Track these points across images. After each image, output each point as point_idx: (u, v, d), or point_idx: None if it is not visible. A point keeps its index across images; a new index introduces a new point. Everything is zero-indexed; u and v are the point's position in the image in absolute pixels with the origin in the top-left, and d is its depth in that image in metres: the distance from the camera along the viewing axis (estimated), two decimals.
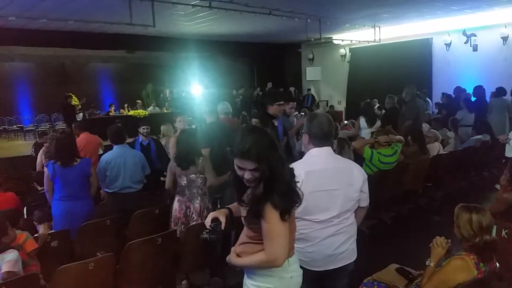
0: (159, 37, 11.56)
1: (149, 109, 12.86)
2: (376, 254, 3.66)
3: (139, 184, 4.55)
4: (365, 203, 2.61)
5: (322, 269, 2.49)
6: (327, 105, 15.61)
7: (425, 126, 7.11)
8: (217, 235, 1.93)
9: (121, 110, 12.60)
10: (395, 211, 5.52)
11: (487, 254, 2.49)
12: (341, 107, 15.31)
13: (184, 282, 3.79)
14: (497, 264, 2.56)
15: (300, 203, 1.95)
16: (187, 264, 3.53)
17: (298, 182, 2.18)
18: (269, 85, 15.15)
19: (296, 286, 2.06)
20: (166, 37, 11.93)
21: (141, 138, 5.78)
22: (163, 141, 6.58)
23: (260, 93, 14.24)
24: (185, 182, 3.80)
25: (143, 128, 5.77)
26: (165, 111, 12.90)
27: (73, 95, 11.66)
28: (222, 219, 2.01)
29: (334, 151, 5.58)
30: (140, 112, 12.09)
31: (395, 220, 5.37)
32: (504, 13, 10.23)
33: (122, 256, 3.08)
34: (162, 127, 6.78)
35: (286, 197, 1.86)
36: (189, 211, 3.80)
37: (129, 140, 5.34)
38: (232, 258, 2.00)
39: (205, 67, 15.00)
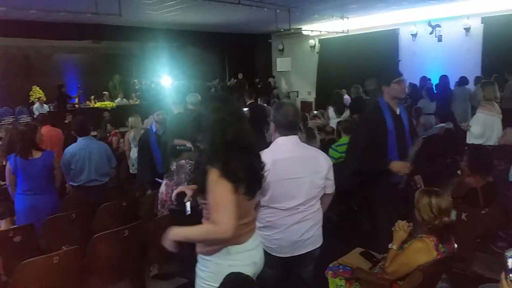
0: (126, 26, 11.31)
1: (116, 100, 12.61)
2: (344, 239, 3.76)
3: (106, 177, 4.48)
4: (330, 189, 2.67)
5: (289, 255, 2.54)
6: (297, 96, 15.74)
7: None
8: (180, 208, 1.98)
9: (87, 102, 12.31)
10: (363, 198, 5.63)
11: (446, 235, 2.58)
12: (311, 97, 15.44)
13: (153, 268, 3.79)
14: (455, 245, 2.66)
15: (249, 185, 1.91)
16: (155, 255, 3.51)
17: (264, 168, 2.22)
18: (240, 76, 15.15)
19: None
20: (134, 27, 11.70)
21: (155, 127, 4.78)
22: (131, 133, 6.48)
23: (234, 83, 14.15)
24: (174, 167, 3.84)
25: (158, 114, 4.75)
26: (133, 102, 12.69)
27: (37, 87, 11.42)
28: (188, 193, 2.03)
29: (302, 140, 5.67)
30: (107, 103, 11.85)
31: (361, 206, 5.48)
32: (467, 5, 10.53)
33: (88, 250, 3.04)
34: (130, 119, 6.66)
35: (234, 168, 1.83)
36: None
37: (94, 132, 5.21)
38: (171, 231, 1.92)
39: (175, 58, 14.81)
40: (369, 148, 3.37)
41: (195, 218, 1.99)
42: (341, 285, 2.86)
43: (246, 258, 1.99)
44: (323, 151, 5.32)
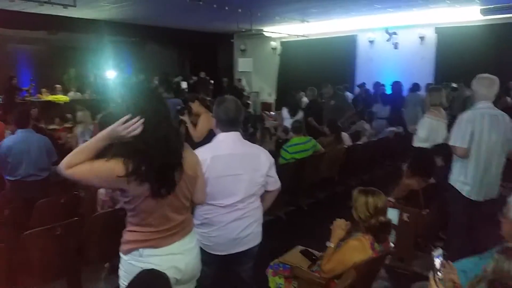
0: (82, 18, 10.94)
1: (69, 94, 12.13)
2: (291, 238, 3.76)
3: (45, 172, 4.27)
4: (272, 187, 2.65)
5: (226, 253, 2.51)
6: (258, 97, 15.79)
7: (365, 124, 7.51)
8: None
9: (39, 95, 11.78)
10: (313, 198, 5.71)
11: (382, 235, 2.62)
12: (271, 99, 15.54)
13: (107, 265, 3.65)
14: (392, 244, 2.72)
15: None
16: (92, 254, 3.37)
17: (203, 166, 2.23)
18: (202, 74, 14.98)
19: None
20: (91, 19, 11.32)
21: None
22: (79, 128, 6.25)
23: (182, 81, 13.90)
24: None
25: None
26: (87, 97, 12.27)
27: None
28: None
29: (258, 140, 5.67)
30: (60, 97, 11.40)
31: (312, 206, 5.55)
32: (421, 14, 10.89)
33: (18, 248, 2.88)
34: (78, 114, 6.42)
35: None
36: (117, 194, 3.67)
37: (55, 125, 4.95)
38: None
39: (134, 53, 14.46)
40: None
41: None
42: (280, 283, 2.86)
43: (163, 262, 1.89)
44: (278, 151, 5.39)
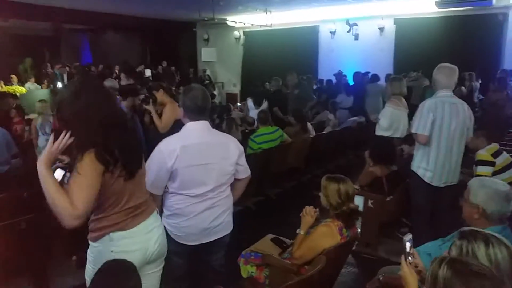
0: (37, 5, 10.44)
1: (26, 85, 11.60)
2: (261, 228, 3.79)
3: (5, 165, 4.10)
4: (242, 175, 2.66)
5: (197, 243, 2.50)
6: (222, 87, 15.69)
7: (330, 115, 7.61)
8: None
9: None
10: (280, 188, 5.77)
11: (350, 220, 2.70)
12: (236, 89, 15.49)
13: (74, 257, 3.55)
14: (359, 230, 2.81)
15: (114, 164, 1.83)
16: (59, 249, 3.29)
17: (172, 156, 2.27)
18: (164, 63, 14.70)
19: None
20: (45, 6, 10.82)
21: None
22: (38, 120, 6.01)
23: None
24: None
25: None
26: (45, 88, 11.78)
27: None
28: (65, 159, 1.91)
29: (224, 130, 5.65)
30: (16, 88, 10.89)
31: (280, 195, 5.61)
32: (381, 6, 11.16)
33: None
34: (37, 105, 6.16)
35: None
36: None
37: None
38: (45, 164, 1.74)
39: (93, 42, 14.00)
40: None
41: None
42: (252, 272, 2.89)
43: (132, 244, 1.95)
44: (244, 142, 5.39)
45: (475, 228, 1.79)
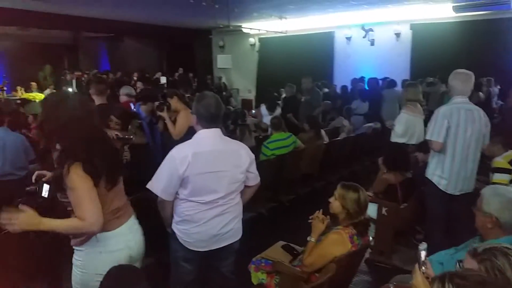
0: (55, 13, 10.68)
1: (45, 92, 11.86)
2: (273, 234, 3.78)
3: (23, 171, 4.18)
4: (252, 182, 2.66)
5: (207, 249, 2.51)
6: (237, 94, 15.76)
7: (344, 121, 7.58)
8: (36, 187, 2.10)
9: (13, 93, 11.50)
10: (294, 194, 5.73)
11: (364, 229, 2.67)
12: (251, 95, 15.54)
13: None
14: (371, 238, 2.77)
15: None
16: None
17: (184, 163, 2.32)
18: (180, 71, 14.87)
19: (109, 262, 1.99)
20: (66, 15, 11.07)
21: None
22: None
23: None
24: None
25: None
26: None
27: None
28: (47, 174, 2.15)
29: (237, 137, 5.66)
30: (35, 95, 11.14)
31: (293, 202, 5.58)
32: (397, 11, 11.09)
33: None
34: None
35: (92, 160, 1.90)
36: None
37: None
38: (35, 220, 1.88)
39: (111, 49, 14.24)
40: None
41: (54, 205, 2.07)
42: (262, 279, 2.88)
43: (118, 243, 2.07)
44: (258, 148, 5.39)
45: (489, 245, 1.72)
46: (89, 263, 2.01)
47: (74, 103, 2.00)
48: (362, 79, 10.75)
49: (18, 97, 11.09)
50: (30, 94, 11.39)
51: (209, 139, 2.47)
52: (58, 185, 1.92)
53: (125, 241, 2.10)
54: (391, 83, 8.91)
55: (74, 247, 2.07)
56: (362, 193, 2.63)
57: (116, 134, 3.56)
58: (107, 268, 1.80)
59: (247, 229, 2.72)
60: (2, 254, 2.84)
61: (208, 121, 2.47)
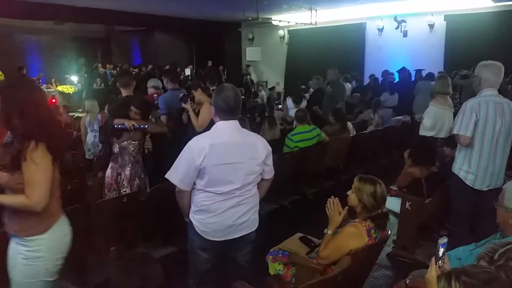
0: (89, 8, 10.98)
1: (78, 84, 12.27)
2: (295, 227, 3.77)
3: None
4: (268, 175, 2.67)
5: (223, 239, 2.53)
6: (266, 86, 15.75)
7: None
8: None
9: (48, 85, 11.93)
10: (318, 187, 5.70)
11: (382, 222, 2.62)
12: (280, 88, 15.50)
13: (113, 248, 3.73)
14: (389, 231, 2.72)
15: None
16: (98, 240, 3.44)
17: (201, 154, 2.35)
18: (209, 63, 14.99)
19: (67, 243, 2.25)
20: (98, 9, 11.35)
21: None
22: (86, 118, 6.32)
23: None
24: (117, 149, 3.76)
25: None
26: (97, 87, 12.37)
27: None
28: None
29: (265, 128, 5.60)
30: (69, 87, 11.52)
31: (317, 195, 5.54)
32: (431, 2, 10.77)
33: None
34: (86, 103, 6.50)
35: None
36: (120, 178, 3.79)
37: None
38: None
39: (143, 42, 14.50)
40: None
41: None
42: (279, 270, 2.89)
43: (66, 228, 2.26)
44: (282, 140, 5.38)
45: (503, 247, 1.66)
46: (53, 248, 2.13)
47: (31, 86, 2.15)
48: (387, 72, 10.50)
49: (52, 89, 11.50)
50: (64, 86, 11.78)
51: (226, 131, 2.49)
52: (13, 163, 1.98)
53: (67, 227, 2.28)
54: (428, 76, 8.67)
55: (27, 240, 2.08)
56: (379, 186, 2.58)
57: (133, 124, 3.65)
58: (67, 248, 2.17)
59: (269, 220, 2.72)
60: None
61: (226, 113, 2.48)
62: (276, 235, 3.25)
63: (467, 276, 1.36)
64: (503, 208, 2.12)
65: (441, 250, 1.82)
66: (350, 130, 6.21)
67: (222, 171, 2.42)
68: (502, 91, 3.53)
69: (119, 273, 1.75)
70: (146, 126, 3.71)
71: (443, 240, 1.85)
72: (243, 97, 11.80)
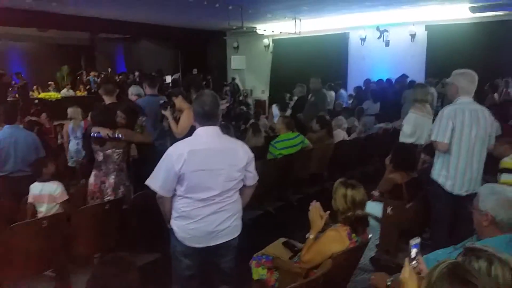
0: (72, 15, 10.91)
1: (62, 91, 12.14)
2: (280, 232, 3.79)
3: None
4: (250, 182, 2.68)
5: (203, 245, 2.54)
6: (251, 94, 15.83)
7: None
8: None
9: (31, 93, 11.79)
10: (302, 193, 5.74)
11: (359, 227, 2.67)
12: (264, 96, 15.59)
13: (97, 255, 3.69)
14: (370, 235, 2.77)
15: None
16: (80, 247, 3.42)
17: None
18: (194, 71, 15.01)
19: None
20: (81, 16, 11.29)
21: None
22: (69, 125, 6.27)
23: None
24: (101, 157, 3.71)
25: None
26: (80, 94, 12.27)
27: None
28: None
29: (249, 135, 5.61)
30: (52, 94, 11.40)
31: (301, 201, 5.57)
32: (412, 12, 10.97)
33: (3, 241, 2.91)
34: (69, 110, 6.44)
35: None
36: (104, 186, 3.74)
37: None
38: None
39: (127, 50, 14.46)
40: None
41: None
42: (263, 274, 2.91)
43: None
44: (266, 147, 5.41)
45: (478, 246, 1.70)
46: None
47: None
48: (379, 81, 10.67)
49: (35, 97, 11.37)
50: (47, 93, 11.66)
51: (205, 137, 2.50)
52: None
53: None
54: (411, 83, 8.83)
55: None
56: (351, 189, 2.63)
57: (107, 134, 3.59)
58: None
59: (254, 226, 2.74)
60: (10, 246, 2.94)
61: (204, 119, 2.50)
62: (260, 241, 3.27)
63: (459, 269, 1.40)
64: (478, 211, 2.19)
65: (414, 251, 1.85)
66: (340, 135, 6.32)
67: (201, 177, 2.43)
68: (482, 97, 3.63)
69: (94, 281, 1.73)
70: (120, 136, 3.62)
71: (415, 240, 1.88)
72: (228, 104, 11.90)
